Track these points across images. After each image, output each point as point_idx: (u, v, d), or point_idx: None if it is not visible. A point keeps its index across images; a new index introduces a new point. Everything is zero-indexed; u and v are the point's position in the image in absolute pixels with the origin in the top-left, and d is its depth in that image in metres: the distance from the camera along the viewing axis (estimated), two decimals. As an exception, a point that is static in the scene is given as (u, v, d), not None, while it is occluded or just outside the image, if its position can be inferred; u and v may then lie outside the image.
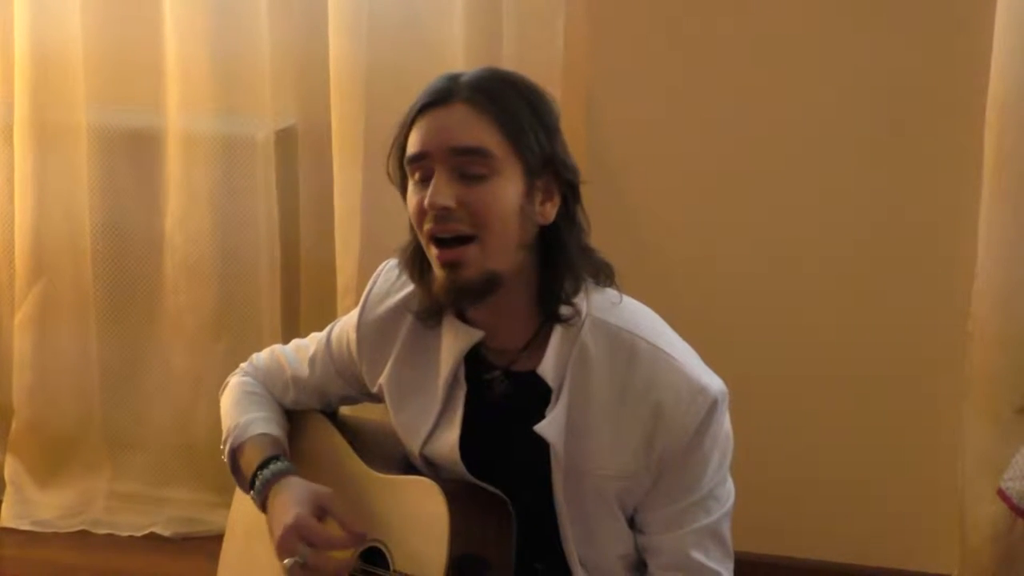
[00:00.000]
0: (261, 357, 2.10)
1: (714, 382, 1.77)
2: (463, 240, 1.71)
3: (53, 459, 3.22)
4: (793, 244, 2.81)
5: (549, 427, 1.76)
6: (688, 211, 2.84)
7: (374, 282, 1.94)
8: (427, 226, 1.72)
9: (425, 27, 2.93)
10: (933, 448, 2.79)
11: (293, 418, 2.07)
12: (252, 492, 1.92)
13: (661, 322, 1.84)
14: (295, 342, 2.09)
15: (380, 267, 1.96)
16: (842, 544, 2.87)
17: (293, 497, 1.84)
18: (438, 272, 1.74)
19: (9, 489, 3.23)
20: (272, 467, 1.90)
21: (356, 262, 2.95)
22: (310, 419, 2.07)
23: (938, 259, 2.74)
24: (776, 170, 2.78)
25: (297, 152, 3.14)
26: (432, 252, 1.74)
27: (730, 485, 1.83)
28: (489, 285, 1.72)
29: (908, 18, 2.67)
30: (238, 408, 2.02)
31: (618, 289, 1.82)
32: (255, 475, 1.91)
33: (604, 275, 1.81)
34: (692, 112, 2.80)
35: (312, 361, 2.03)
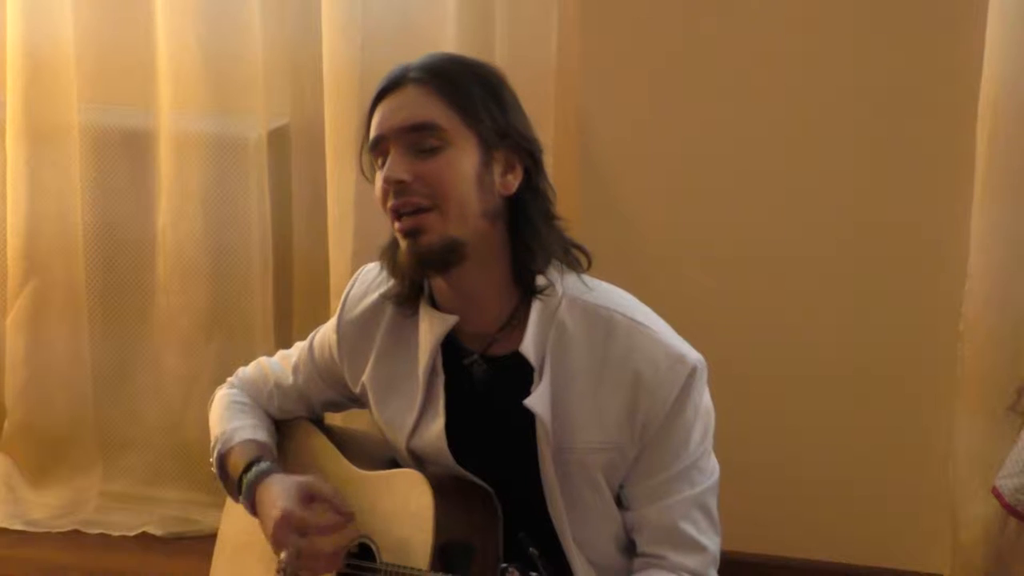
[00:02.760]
0: (247, 369, 2.14)
1: (691, 352, 1.81)
2: (423, 210, 1.76)
3: (45, 459, 3.22)
4: (786, 245, 2.81)
5: (537, 401, 1.78)
6: (679, 209, 2.84)
7: (351, 286, 1.99)
8: (389, 204, 1.78)
9: (418, 26, 2.93)
10: (925, 448, 2.79)
11: (280, 425, 2.10)
12: (240, 497, 1.94)
13: (636, 300, 1.87)
14: (280, 353, 2.13)
15: (357, 272, 2.02)
16: (834, 543, 2.88)
17: (279, 492, 1.87)
18: (402, 244, 1.78)
19: (1, 489, 3.22)
20: (256, 469, 1.93)
21: (349, 262, 2.95)
22: (297, 425, 2.09)
23: (930, 259, 2.75)
24: (768, 170, 2.79)
25: (290, 152, 3.14)
26: (395, 227, 1.79)
27: (714, 461, 1.85)
28: (452, 252, 1.76)
29: (900, 19, 2.68)
30: (224, 418, 2.05)
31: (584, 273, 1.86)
32: (241, 479, 1.94)
33: (577, 258, 1.85)
34: (684, 112, 2.80)
35: (296, 368, 2.06)
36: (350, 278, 2.91)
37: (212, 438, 2.04)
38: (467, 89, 1.78)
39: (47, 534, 3.13)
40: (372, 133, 1.80)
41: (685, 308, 2.78)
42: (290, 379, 2.06)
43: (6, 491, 3.22)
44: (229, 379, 2.14)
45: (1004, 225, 2.61)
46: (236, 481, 1.96)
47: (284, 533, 1.82)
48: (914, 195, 2.73)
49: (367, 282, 1.97)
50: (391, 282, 1.89)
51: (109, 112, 3.15)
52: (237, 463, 1.97)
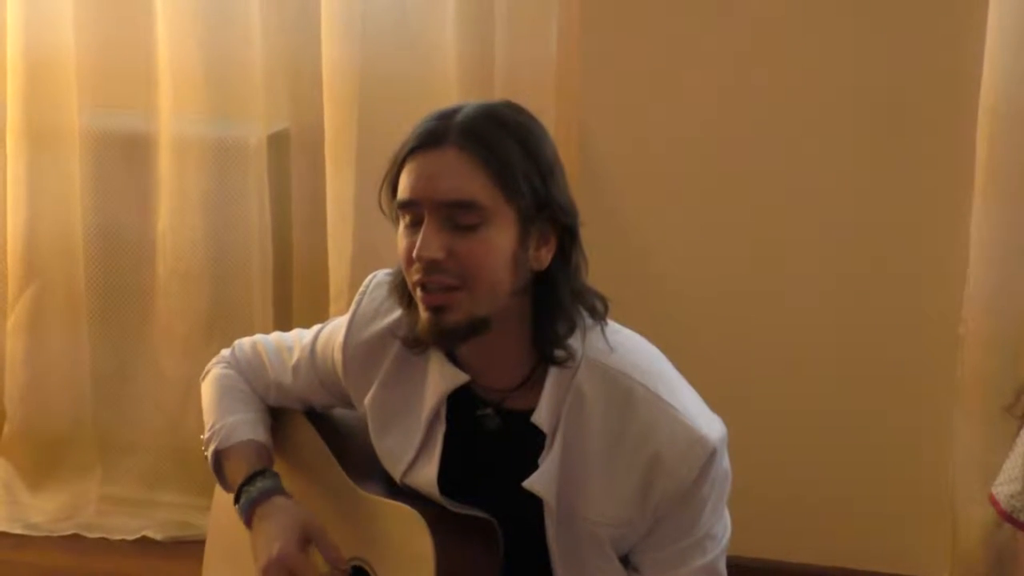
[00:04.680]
0: (244, 349, 2.06)
1: (713, 429, 1.74)
2: (451, 289, 1.68)
3: (45, 462, 3.22)
4: (786, 249, 2.81)
5: (540, 480, 1.74)
6: (678, 212, 2.84)
7: (360, 301, 1.90)
8: (415, 276, 1.70)
9: (418, 31, 2.94)
10: (925, 451, 2.79)
11: (275, 416, 2.05)
12: (237, 507, 1.90)
13: (659, 360, 1.80)
14: (278, 340, 2.04)
15: (365, 283, 1.92)
16: (834, 548, 2.88)
17: (278, 526, 1.82)
18: (423, 314, 1.71)
19: (1, 492, 3.22)
20: (258, 485, 1.88)
21: (348, 266, 2.96)
22: (293, 420, 2.04)
23: (930, 263, 2.75)
24: (768, 174, 2.79)
25: (290, 156, 3.14)
26: (418, 295, 1.71)
27: (726, 519, 1.81)
28: (475, 328, 1.70)
29: (900, 23, 2.68)
30: (222, 405, 1.99)
31: (607, 324, 1.78)
32: (240, 490, 1.90)
33: (599, 311, 1.76)
34: (685, 116, 2.80)
35: (296, 369, 1.98)
36: (349, 281, 2.96)
37: (206, 423, 1.99)
38: (510, 159, 1.67)
39: (47, 538, 3.13)
40: (404, 192, 1.70)
41: (684, 313, 2.81)
42: (289, 379, 1.99)
43: (5, 494, 3.22)
44: (224, 353, 2.07)
45: (1004, 229, 2.62)
46: (235, 490, 1.91)
47: (276, 573, 1.79)
48: (914, 199, 2.73)
49: (377, 300, 1.88)
50: (398, 313, 1.81)
51: (109, 116, 3.15)
52: (236, 467, 1.93)
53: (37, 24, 3.05)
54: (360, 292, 1.91)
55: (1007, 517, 2.41)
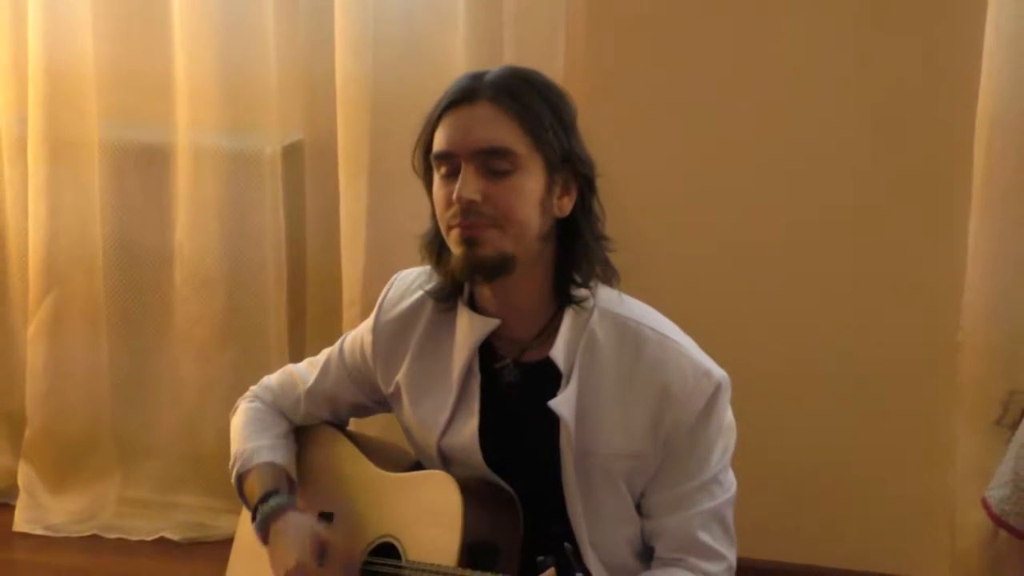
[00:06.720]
0: (272, 378, 2.15)
1: (717, 368, 1.86)
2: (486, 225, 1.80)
3: (65, 465, 3.25)
4: (786, 256, 2.83)
5: (562, 404, 1.83)
6: (685, 219, 2.87)
7: (388, 289, 2.02)
8: (451, 219, 1.81)
9: (429, 44, 2.96)
10: (924, 456, 2.81)
11: (303, 432, 2.12)
12: (254, 525, 1.98)
13: (663, 317, 1.92)
14: (307, 359, 2.14)
15: (393, 277, 2.04)
16: (834, 550, 2.90)
17: (292, 539, 1.91)
18: (456, 249, 1.82)
19: (22, 495, 3.26)
20: (271, 502, 1.96)
21: (361, 274, 2.99)
22: (321, 431, 2.12)
23: (929, 271, 2.77)
24: (768, 182, 2.81)
25: (304, 167, 3.17)
26: (453, 234, 1.82)
27: (732, 475, 1.90)
28: (503, 266, 1.80)
29: (898, 35, 2.70)
30: (245, 433, 2.08)
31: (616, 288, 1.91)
32: (256, 509, 1.98)
33: (609, 275, 1.89)
34: (690, 125, 2.82)
35: (324, 370, 2.08)
36: (362, 289, 2.98)
37: (232, 454, 2.07)
38: (538, 112, 1.81)
39: (67, 539, 3.17)
40: (440, 144, 1.82)
41: (684, 318, 2.82)
42: (317, 379, 2.08)
43: (27, 497, 3.25)
44: (252, 388, 2.16)
45: (1001, 237, 2.64)
46: (252, 510, 1.99)
47: None
48: (913, 207, 2.74)
49: (404, 286, 2.00)
50: (433, 281, 1.92)
51: (128, 128, 3.18)
52: (254, 489, 2.01)
53: (57, 38, 3.08)
54: (388, 284, 2.03)
55: (998, 521, 2.43)
